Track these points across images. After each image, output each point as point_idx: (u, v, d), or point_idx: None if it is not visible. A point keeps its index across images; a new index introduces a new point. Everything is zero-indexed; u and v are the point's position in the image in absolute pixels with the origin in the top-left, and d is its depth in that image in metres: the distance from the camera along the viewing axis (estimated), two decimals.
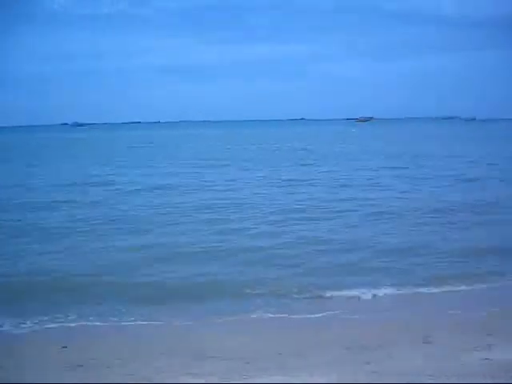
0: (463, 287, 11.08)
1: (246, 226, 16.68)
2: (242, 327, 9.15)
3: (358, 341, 8.13)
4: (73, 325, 9.26)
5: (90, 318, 9.47)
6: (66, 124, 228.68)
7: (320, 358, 7.47)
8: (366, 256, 13.27)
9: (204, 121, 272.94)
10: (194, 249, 13.91)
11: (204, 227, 16.44)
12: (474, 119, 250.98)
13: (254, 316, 9.63)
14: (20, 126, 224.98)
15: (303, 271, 12.14)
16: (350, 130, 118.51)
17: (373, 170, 33.03)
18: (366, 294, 10.61)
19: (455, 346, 7.81)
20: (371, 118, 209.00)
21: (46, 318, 9.40)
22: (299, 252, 13.59)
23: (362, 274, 11.89)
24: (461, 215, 17.88)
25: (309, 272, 12.06)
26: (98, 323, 9.33)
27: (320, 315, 9.59)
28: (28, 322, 9.24)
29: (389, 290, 10.81)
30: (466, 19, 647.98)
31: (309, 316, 9.61)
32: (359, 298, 10.50)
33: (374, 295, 10.59)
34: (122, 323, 9.36)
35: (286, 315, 9.66)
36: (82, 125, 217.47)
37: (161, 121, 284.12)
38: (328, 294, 10.63)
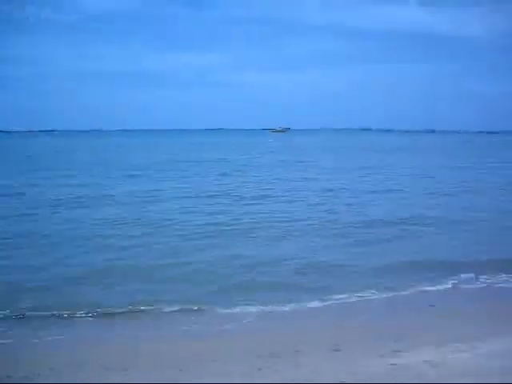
0: (374, 296, 11.37)
1: (162, 240, 16.19)
2: (163, 340, 9.06)
3: (268, 350, 8.23)
4: None
5: None
6: None
7: (231, 366, 7.61)
8: (284, 271, 13.19)
9: (120, 130, 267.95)
10: (101, 266, 13.50)
11: (114, 242, 15.96)
12: (388, 130, 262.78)
13: (173, 332, 9.52)
14: None
15: (218, 287, 11.96)
16: (268, 141, 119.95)
17: (290, 181, 33.29)
18: (280, 307, 10.67)
19: (363, 352, 8.08)
20: (288, 128, 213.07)
21: None
22: (215, 268, 13.33)
23: (278, 288, 11.86)
24: (377, 228, 18.14)
25: (224, 287, 11.92)
26: None
27: (232, 326, 9.67)
28: None
29: (301, 303, 10.90)
30: (383, 33, 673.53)
31: (222, 327, 9.61)
32: (274, 310, 10.53)
33: (288, 308, 10.66)
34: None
35: (200, 327, 9.69)
36: None
37: (75, 129, 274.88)
38: (240, 308, 10.59)
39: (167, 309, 10.54)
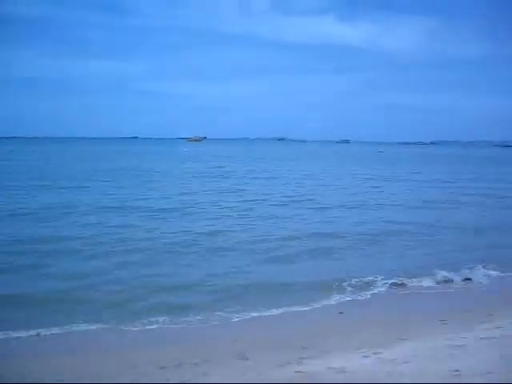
0: (285, 309, 11.39)
1: (72, 258, 15.15)
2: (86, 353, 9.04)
3: (174, 361, 8.20)
4: None
5: None
6: None
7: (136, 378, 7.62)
8: (196, 290, 12.73)
9: (33, 137, 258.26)
10: None
11: (20, 262, 14.74)
12: (303, 141, 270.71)
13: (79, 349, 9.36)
14: None
15: (128, 308, 11.44)
16: (182, 150, 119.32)
17: (216, 193, 32.32)
18: (186, 323, 10.60)
19: (270, 360, 8.17)
20: (204, 137, 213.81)
21: None
22: (127, 288, 12.67)
23: (186, 307, 11.50)
24: (291, 242, 17.95)
25: (134, 308, 11.43)
26: None
27: (136, 339, 9.66)
28: None
29: (209, 319, 10.83)
30: (301, 45, 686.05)
31: (126, 341, 9.59)
32: (179, 327, 10.44)
33: (194, 323, 10.61)
34: None
35: (103, 341, 9.66)
36: None
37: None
38: (144, 323, 10.46)
39: (73, 328, 10.19)
